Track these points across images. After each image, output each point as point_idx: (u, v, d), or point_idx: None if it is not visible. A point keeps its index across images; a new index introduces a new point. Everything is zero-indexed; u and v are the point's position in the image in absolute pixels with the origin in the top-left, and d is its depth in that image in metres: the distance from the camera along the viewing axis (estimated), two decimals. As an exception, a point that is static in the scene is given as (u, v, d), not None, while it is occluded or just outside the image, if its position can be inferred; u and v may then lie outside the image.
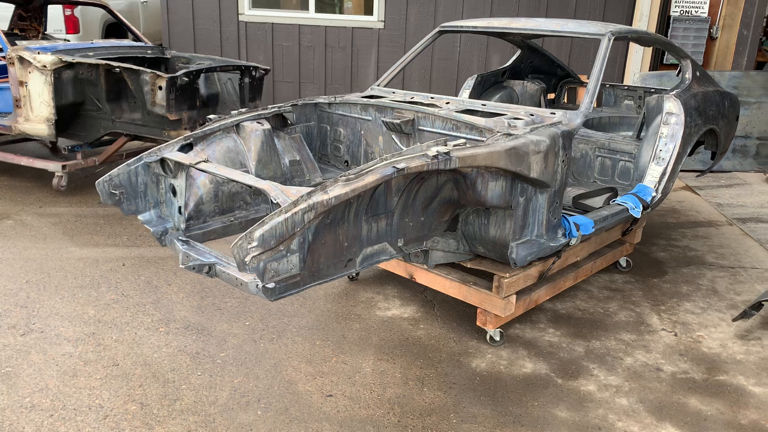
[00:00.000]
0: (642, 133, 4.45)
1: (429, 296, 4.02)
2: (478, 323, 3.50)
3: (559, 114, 3.31)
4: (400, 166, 2.56)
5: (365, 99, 3.79)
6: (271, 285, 2.44)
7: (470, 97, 4.95)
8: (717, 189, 6.57)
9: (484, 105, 3.50)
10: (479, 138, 3.17)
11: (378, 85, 4.14)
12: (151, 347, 3.38)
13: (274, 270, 2.41)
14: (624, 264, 4.52)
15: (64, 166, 5.61)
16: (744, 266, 4.67)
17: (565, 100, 5.78)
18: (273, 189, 2.56)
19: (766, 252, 4.94)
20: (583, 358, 3.41)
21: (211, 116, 3.49)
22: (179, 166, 3.07)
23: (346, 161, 3.95)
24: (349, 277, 4.26)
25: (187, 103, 5.24)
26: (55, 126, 5.38)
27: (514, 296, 3.40)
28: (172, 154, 3.08)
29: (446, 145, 2.73)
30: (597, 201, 3.97)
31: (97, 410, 2.86)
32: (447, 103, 3.57)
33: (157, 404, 2.92)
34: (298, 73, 8.57)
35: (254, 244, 2.29)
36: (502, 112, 3.39)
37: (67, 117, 5.55)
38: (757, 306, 3.75)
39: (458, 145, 2.77)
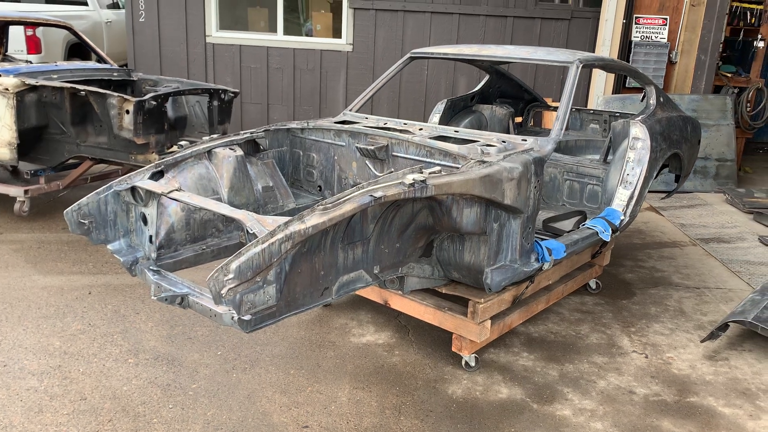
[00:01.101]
0: (609, 157, 4.54)
1: (403, 321, 4.01)
2: (453, 349, 3.50)
3: (530, 141, 3.36)
4: (378, 194, 2.56)
5: (338, 125, 3.80)
6: (247, 317, 2.40)
7: (440, 121, 5.00)
8: (680, 209, 6.73)
9: (457, 131, 3.54)
10: (453, 165, 3.19)
11: (350, 110, 4.15)
12: (120, 379, 3.29)
13: (251, 302, 2.37)
14: (593, 286, 4.59)
15: (26, 191, 5.47)
16: (708, 287, 4.78)
17: (531, 124, 5.88)
18: (249, 219, 2.53)
19: (729, 272, 5.07)
20: (557, 382, 3.43)
21: (182, 142, 3.45)
22: (150, 194, 3.01)
23: (320, 186, 3.94)
24: (322, 302, 4.22)
25: (154, 127, 5.16)
26: (17, 150, 5.24)
27: (489, 321, 3.41)
28: (143, 182, 3.03)
29: (422, 173, 2.74)
30: (566, 224, 4.02)
31: (64, 448, 2.76)
32: (420, 129, 3.59)
33: (128, 440, 2.84)
34: (266, 94, 8.55)
35: (230, 276, 2.26)
36: (475, 139, 3.42)
37: (29, 140, 5.41)
38: (724, 327, 3.83)
39: (434, 172, 2.78)
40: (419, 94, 8.29)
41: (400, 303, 3.63)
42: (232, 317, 2.44)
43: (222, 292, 2.26)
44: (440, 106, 5.01)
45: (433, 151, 3.31)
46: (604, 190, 4.23)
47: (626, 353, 3.76)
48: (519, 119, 5.72)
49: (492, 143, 3.31)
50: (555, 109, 5.88)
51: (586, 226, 3.86)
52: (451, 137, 3.48)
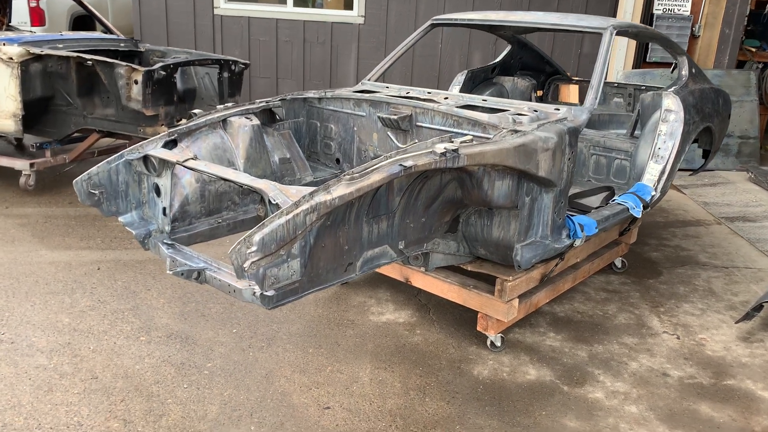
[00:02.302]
0: (636, 131, 4.36)
1: (423, 299, 3.86)
2: (478, 328, 3.35)
3: (563, 110, 3.18)
4: (408, 164, 2.39)
5: (358, 94, 3.62)
6: (270, 293, 2.25)
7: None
8: (702, 188, 6.54)
9: (485, 100, 3.35)
10: (483, 135, 3.02)
11: (369, 80, 3.97)
12: (132, 358, 3.16)
13: (274, 276, 2.22)
14: (619, 265, 4.43)
15: (32, 164, 5.32)
16: (737, 266, 4.62)
17: (551, 98, 5.68)
18: (271, 189, 2.37)
19: (757, 251, 4.90)
20: (587, 363, 3.29)
21: (196, 111, 3.28)
22: (164, 163, 2.85)
23: (338, 159, 3.77)
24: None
25: (164, 98, 4.99)
26: (22, 122, 5.08)
27: (517, 300, 3.26)
28: (157, 150, 2.87)
29: (452, 142, 2.57)
30: (593, 200, 3.86)
31: (75, 429, 2.64)
32: (445, 98, 3.41)
33: (142, 421, 2.71)
34: (275, 68, 8.34)
35: (254, 248, 2.11)
36: (505, 108, 3.24)
37: (35, 112, 5.25)
38: (758, 307, 3.68)
39: (465, 142, 2.61)
40: (432, 68, 8.07)
41: (423, 281, 3.48)
42: (253, 293, 2.29)
43: (245, 265, 2.11)
44: (460, 78, 4.82)
45: (461, 121, 3.14)
46: (634, 164, 4.06)
47: (657, 334, 3.61)
48: (539, 93, 5.52)
49: (523, 112, 3.13)
50: (577, 82, 5.68)
51: (616, 201, 3.69)
52: (478, 106, 3.29)
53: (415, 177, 2.64)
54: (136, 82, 4.77)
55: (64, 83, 5.17)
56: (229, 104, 3.39)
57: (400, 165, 2.39)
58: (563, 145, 2.95)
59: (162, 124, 5.08)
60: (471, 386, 3.05)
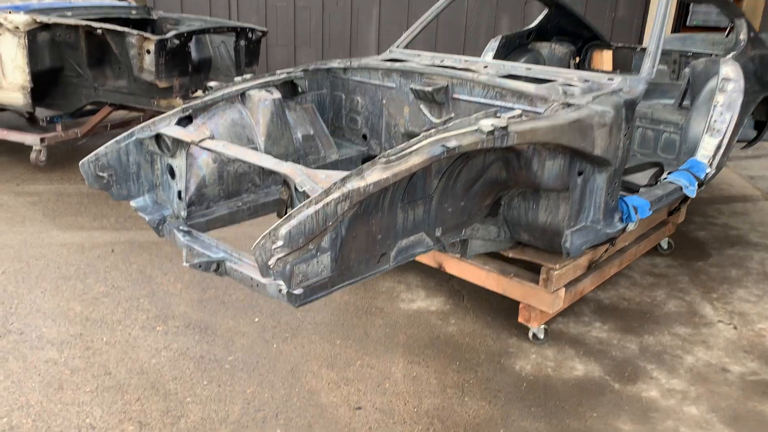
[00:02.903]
0: (685, 101, 4.02)
1: (456, 285, 3.61)
2: (520, 320, 3.09)
3: (618, 80, 2.86)
4: (451, 144, 2.11)
5: (387, 63, 3.32)
6: (297, 291, 2.00)
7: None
8: (745, 160, 6.17)
9: (529, 69, 3.04)
10: (531, 108, 2.72)
11: (398, 47, 3.66)
12: (148, 351, 2.95)
13: (303, 273, 1.97)
14: (665, 246, 4.13)
15: (42, 139, 5.10)
16: (791, 246, 4.30)
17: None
18: (298, 174, 2.11)
19: (812, 230, 4.57)
20: (638, 357, 3.02)
21: (212, 83, 3.01)
22: (178, 143, 2.60)
23: (364, 135, 3.49)
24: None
25: (178, 69, 4.72)
26: (32, 95, 4.84)
27: (563, 289, 2.99)
28: (170, 129, 2.61)
29: (500, 118, 2.28)
30: (640, 177, 3.55)
31: (87, 432, 2.44)
32: (485, 67, 3.10)
33: (159, 423, 2.50)
34: (293, 36, 8.01)
35: (280, 243, 1.85)
36: (552, 78, 2.93)
37: (44, 84, 5.01)
38: (823, 294, 3.38)
39: (514, 117, 2.32)
40: (458, 35, 7.69)
41: (458, 267, 3.22)
42: (279, 289, 2.05)
43: (270, 262, 1.86)
44: (494, 44, 4.49)
45: (504, 92, 2.84)
46: (685, 139, 3.73)
47: (711, 323, 3.33)
48: (577, 59, 5.16)
49: (573, 83, 2.82)
50: (617, 48, 5.30)
51: (668, 180, 3.37)
52: (522, 76, 2.98)
53: (456, 157, 2.37)
54: (148, 51, 4.50)
55: (74, 53, 4.92)
56: (247, 76, 3.12)
57: (443, 146, 2.11)
58: (620, 120, 2.64)
59: (176, 97, 4.81)
60: (514, 383, 2.81)
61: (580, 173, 2.61)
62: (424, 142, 2.14)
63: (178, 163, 2.63)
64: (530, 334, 3.10)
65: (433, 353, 3.00)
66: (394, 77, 3.25)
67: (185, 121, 2.81)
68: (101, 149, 2.62)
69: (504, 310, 3.34)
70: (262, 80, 3.08)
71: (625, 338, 3.17)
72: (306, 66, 3.37)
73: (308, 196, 2.02)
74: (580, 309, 3.42)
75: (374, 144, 3.45)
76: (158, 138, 2.65)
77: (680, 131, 3.83)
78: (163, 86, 4.64)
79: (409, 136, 3.27)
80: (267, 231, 1.86)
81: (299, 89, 3.26)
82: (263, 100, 2.97)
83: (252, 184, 2.92)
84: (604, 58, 5.96)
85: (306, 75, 3.35)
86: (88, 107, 5.31)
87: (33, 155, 5.12)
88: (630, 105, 2.71)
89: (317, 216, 1.91)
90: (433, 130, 2.20)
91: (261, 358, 2.92)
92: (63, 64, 5.01)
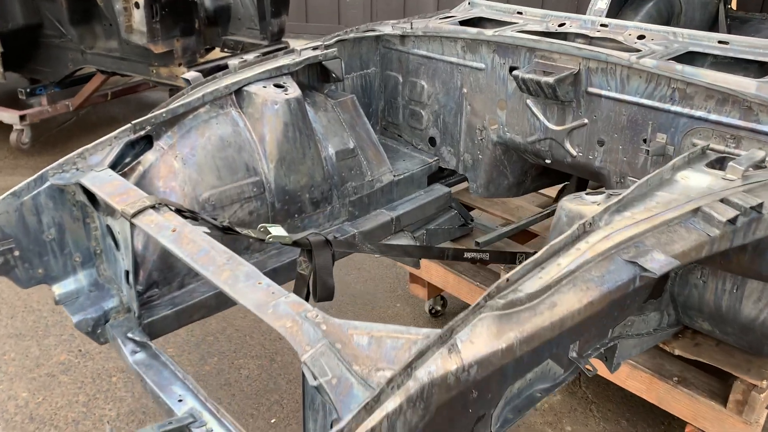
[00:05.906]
0: None
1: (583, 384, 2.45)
2: (687, 452, 1.94)
3: None
4: (652, 265, 0.93)
5: (469, 28, 2.08)
6: None
7: (609, 12, 3.14)
8: None
9: (725, 43, 1.75)
10: (745, 124, 1.48)
11: (483, -1, 2.40)
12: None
13: None
14: None
15: (23, 117, 4.10)
16: None
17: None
18: (305, 337, 0.97)
19: None
20: None
21: (188, 74, 1.88)
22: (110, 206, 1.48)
23: (432, 138, 2.30)
24: (430, 312, 2.72)
25: (179, 27, 3.58)
26: (2, 60, 3.81)
27: (765, 416, 1.82)
28: (96, 176, 1.50)
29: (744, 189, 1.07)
30: None
31: None
32: (640, 36, 1.83)
33: None
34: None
35: None
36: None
37: (19, 47, 3.97)
38: None
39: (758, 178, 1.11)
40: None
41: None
42: None
43: None
44: (611, -16, 3.14)
45: (692, 91, 1.59)
46: None
47: None
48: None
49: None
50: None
51: None
52: (713, 55, 1.72)
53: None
54: (136, 5, 3.36)
55: (52, 7, 3.86)
56: (249, 57, 1.96)
57: (639, 267, 0.93)
58: None
59: (179, 63, 3.70)
60: None
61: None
62: (586, 251, 0.96)
63: (121, 226, 1.53)
64: (699, 471, 1.95)
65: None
66: (483, 52, 2.02)
67: (142, 143, 1.70)
68: (-11, 206, 1.54)
69: (646, 412, 2.19)
70: (270, 66, 1.91)
71: None
72: (343, 35, 2.17)
73: (329, 396, 0.89)
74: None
75: (447, 153, 2.27)
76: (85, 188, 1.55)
77: None
78: (159, 51, 3.52)
79: (506, 147, 2.08)
80: None
81: (332, 75, 2.07)
82: (272, 102, 1.81)
83: (245, 248, 1.80)
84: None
85: (343, 48, 2.16)
86: (78, 74, 4.26)
87: (13, 136, 4.14)
88: None
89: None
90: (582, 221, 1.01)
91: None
92: (41, 21, 3.95)
